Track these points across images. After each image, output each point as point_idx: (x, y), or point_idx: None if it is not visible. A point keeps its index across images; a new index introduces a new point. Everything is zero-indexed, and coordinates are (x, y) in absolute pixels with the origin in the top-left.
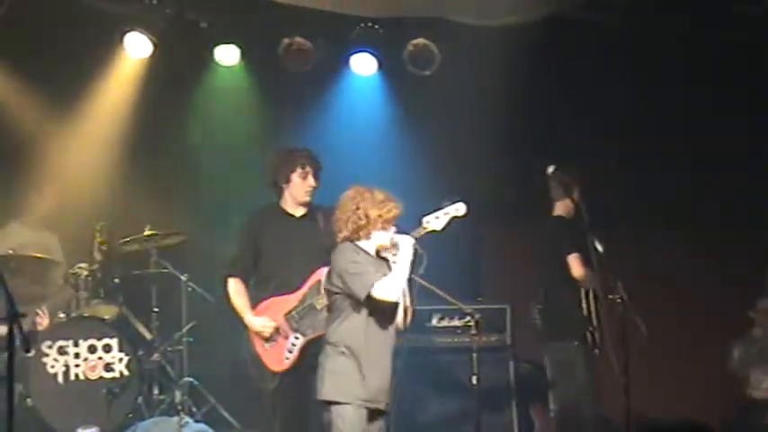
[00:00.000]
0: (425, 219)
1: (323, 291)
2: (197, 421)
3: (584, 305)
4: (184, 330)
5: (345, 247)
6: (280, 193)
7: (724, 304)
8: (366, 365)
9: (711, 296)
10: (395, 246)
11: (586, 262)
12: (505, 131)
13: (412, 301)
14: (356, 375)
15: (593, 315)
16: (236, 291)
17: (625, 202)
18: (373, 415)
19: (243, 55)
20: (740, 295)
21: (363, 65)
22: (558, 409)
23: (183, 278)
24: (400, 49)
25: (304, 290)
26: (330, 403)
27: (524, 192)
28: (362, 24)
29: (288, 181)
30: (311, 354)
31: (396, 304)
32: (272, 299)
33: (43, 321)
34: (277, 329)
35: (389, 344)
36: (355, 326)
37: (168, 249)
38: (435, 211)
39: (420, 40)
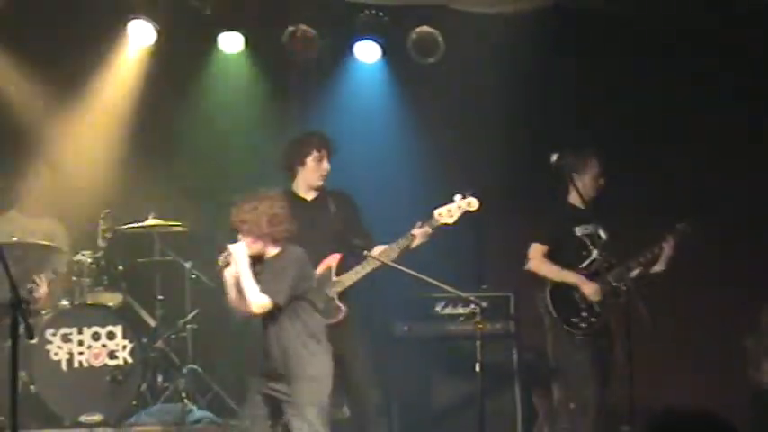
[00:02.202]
0: (437, 211)
1: (333, 278)
2: (201, 409)
3: (575, 293)
4: (188, 318)
5: None
6: (293, 177)
7: (734, 293)
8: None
9: (721, 285)
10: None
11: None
12: (509, 119)
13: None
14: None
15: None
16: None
17: (634, 188)
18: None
19: (247, 42)
20: (751, 285)
21: (367, 52)
22: (561, 397)
23: (187, 266)
24: (404, 37)
25: (317, 276)
26: None
27: (528, 180)
28: (367, 12)
29: (302, 164)
30: None
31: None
32: None
33: (41, 289)
34: None
35: (271, 331)
36: None
37: (172, 236)
38: (447, 203)
39: (424, 28)
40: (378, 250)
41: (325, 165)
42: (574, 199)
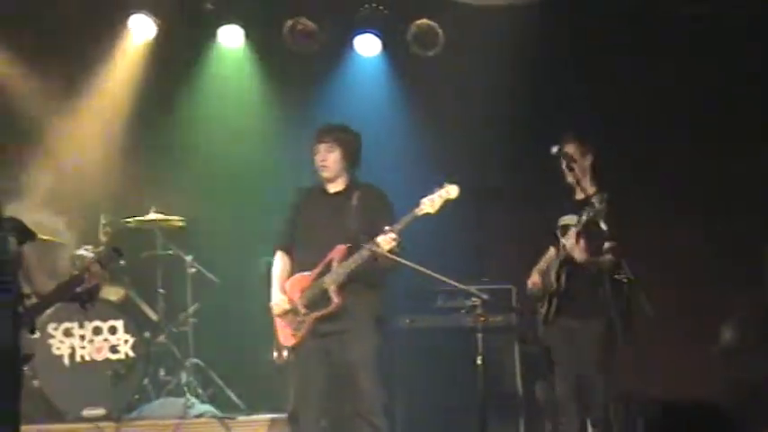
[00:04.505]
0: (422, 200)
1: (334, 269)
2: (203, 402)
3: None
4: (190, 311)
5: None
6: None
7: (725, 284)
8: None
9: (713, 275)
10: None
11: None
12: (510, 112)
13: None
14: None
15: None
16: (276, 263)
17: (631, 181)
18: None
19: (247, 36)
20: (740, 276)
21: (367, 46)
22: (563, 388)
23: (188, 259)
24: (404, 30)
25: (320, 267)
26: None
27: (529, 172)
28: (367, 5)
29: (313, 159)
30: (323, 333)
31: None
32: (296, 275)
33: None
34: (290, 309)
35: None
36: None
37: (173, 231)
38: (430, 194)
39: (424, 21)
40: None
41: (322, 155)
42: (571, 190)
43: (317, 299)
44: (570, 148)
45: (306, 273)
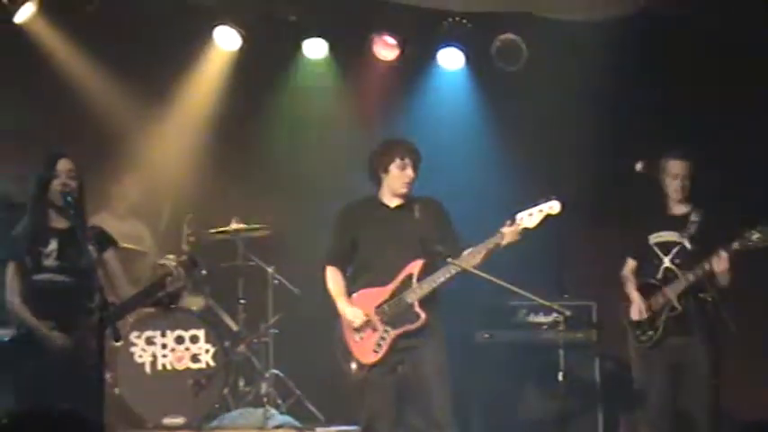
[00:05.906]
0: (519, 215)
1: (415, 284)
2: (282, 413)
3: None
4: (270, 322)
5: None
6: (378, 184)
7: None
8: None
9: None
10: None
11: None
12: (594, 127)
13: None
14: None
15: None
16: (332, 278)
17: (716, 198)
18: None
19: (331, 49)
20: None
21: (451, 60)
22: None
23: (270, 270)
24: (488, 45)
25: (396, 282)
26: None
27: (612, 188)
28: (450, 19)
29: (386, 171)
30: (400, 348)
31: None
32: (364, 290)
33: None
34: (368, 322)
35: None
36: None
37: (255, 241)
38: (530, 207)
39: (508, 36)
40: (464, 255)
41: (409, 172)
42: (664, 205)
43: (399, 314)
44: (675, 165)
45: (376, 288)
